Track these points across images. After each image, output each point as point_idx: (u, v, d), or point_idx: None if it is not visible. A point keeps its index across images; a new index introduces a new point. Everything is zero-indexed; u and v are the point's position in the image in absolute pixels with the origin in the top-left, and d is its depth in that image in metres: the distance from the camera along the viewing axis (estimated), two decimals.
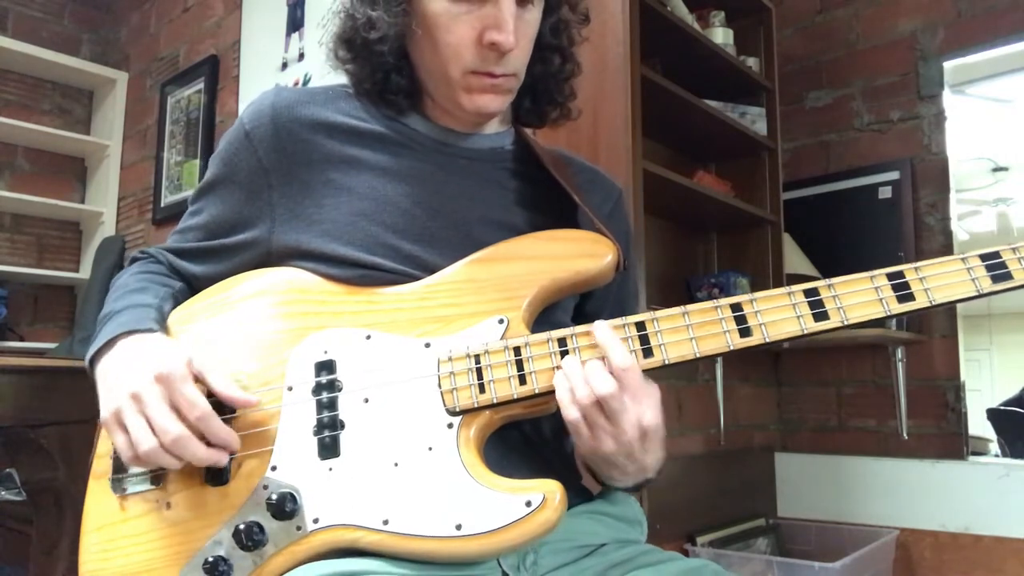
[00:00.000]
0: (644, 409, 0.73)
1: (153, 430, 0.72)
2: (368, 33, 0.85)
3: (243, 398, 0.76)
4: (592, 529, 0.87)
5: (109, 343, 0.80)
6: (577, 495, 0.90)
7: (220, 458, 0.74)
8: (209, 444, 0.74)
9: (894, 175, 2.52)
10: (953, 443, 2.33)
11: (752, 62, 2.45)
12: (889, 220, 2.50)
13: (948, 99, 2.45)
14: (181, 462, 0.73)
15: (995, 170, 2.48)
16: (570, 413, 0.73)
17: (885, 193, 2.52)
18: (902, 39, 2.56)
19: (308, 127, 0.88)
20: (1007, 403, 2.36)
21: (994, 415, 2.36)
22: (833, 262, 2.54)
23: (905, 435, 2.39)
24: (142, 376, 0.73)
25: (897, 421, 2.41)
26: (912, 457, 2.38)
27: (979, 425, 2.34)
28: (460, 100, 0.87)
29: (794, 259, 2.48)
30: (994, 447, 2.34)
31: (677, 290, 2.38)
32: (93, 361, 0.81)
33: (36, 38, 3.47)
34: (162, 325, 0.84)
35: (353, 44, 0.88)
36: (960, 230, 2.42)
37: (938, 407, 2.37)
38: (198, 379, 0.75)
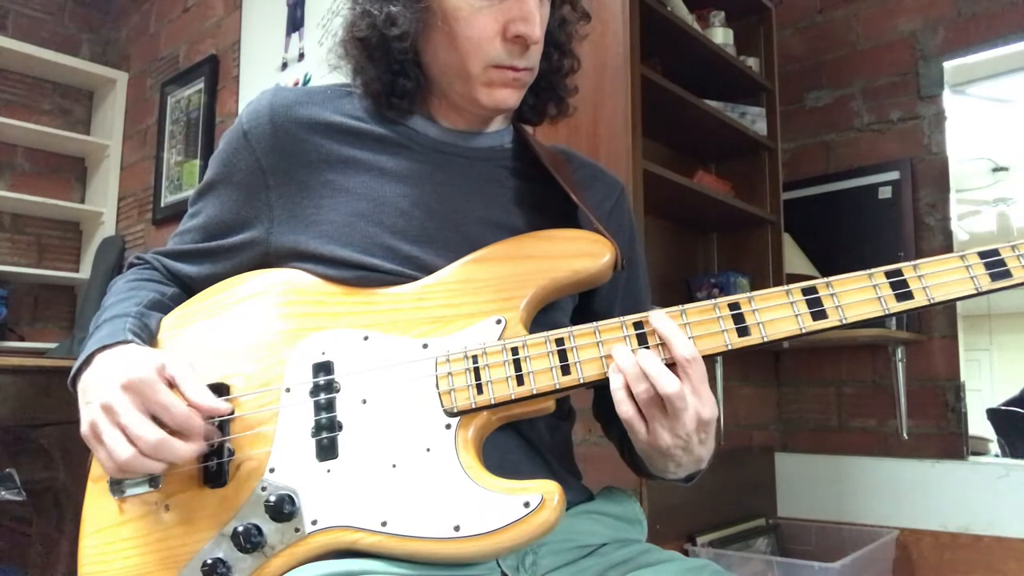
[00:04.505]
0: (703, 401, 0.72)
1: (129, 439, 0.71)
2: (388, 30, 0.84)
3: (213, 406, 0.74)
4: (592, 529, 0.87)
5: (87, 360, 0.79)
6: (576, 495, 0.90)
7: (200, 448, 0.73)
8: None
9: (894, 175, 2.51)
10: (953, 443, 2.33)
11: (752, 62, 2.45)
12: (889, 220, 2.50)
13: (948, 99, 2.45)
14: (166, 465, 0.73)
15: (995, 170, 2.47)
16: (625, 410, 0.72)
17: (885, 193, 2.52)
18: (902, 39, 2.56)
19: (306, 127, 0.88)
20: (1008, 403, 2.36)
21: (994, 415, 2.36)
22: (833, 262, 2.53)
23: (905, 435, 2.39)
24: (111, 387, 0.73)
25: (897, 421, 2.40)
26: (912, 457, 2.37)
27: (979, 425, 2.34)
28: (478, 96, 0.86)
29: (794, 259, 2.48)
30: (994, 447, 2.33)
31: (677, 290, 2.38)
32: (76, 380, 0.80)
33: (36, 38, 3.47)
34: (141, 332, 0.83)
35: (369, 42, 0.86)
36: (960, 230, 2.42)
37: (938, 407, 2.37)
38: (172, 384, 0.74)
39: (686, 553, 2.11)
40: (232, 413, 0.77)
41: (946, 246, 2.40)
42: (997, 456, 2.32)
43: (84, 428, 0.74)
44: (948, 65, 2.45)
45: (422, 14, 0.83)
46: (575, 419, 0.97)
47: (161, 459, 0.72)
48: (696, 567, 0.82)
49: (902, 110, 2.54)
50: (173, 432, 0.72)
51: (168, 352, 0.81)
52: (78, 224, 3.58)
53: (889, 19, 2.59)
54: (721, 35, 2.34)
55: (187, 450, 0.72)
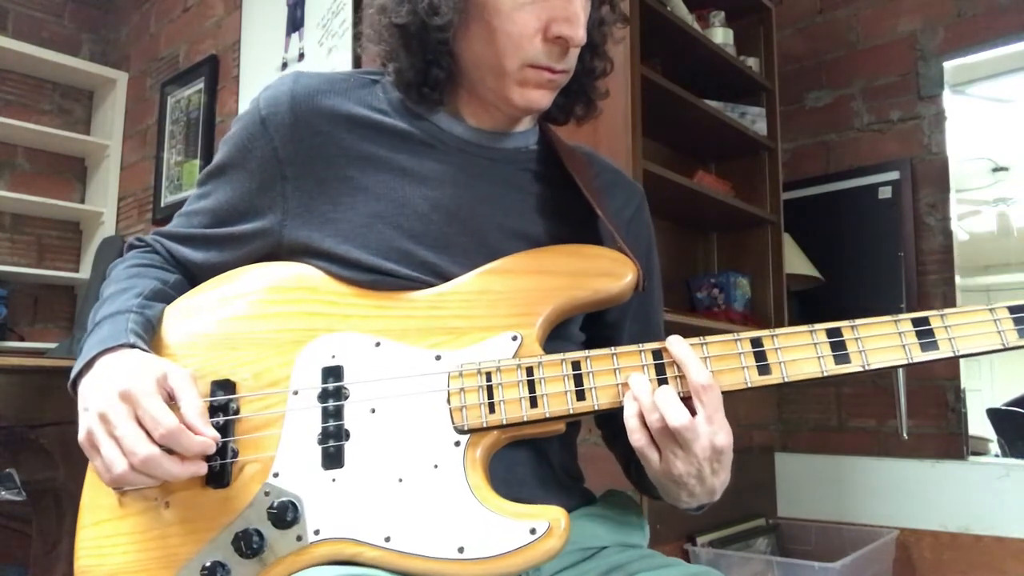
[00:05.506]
0: (717, 430, 0.71)
1: (123, 452, 0.68)
2: (430, 19, 0.80)
3: (200, 442, 0.69)
4: (593, 532, 0.87)
5: (89, 364, 0.76)
6: (579, 498, 0.90)
7: (197, 470, 0.70)
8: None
9: (894, 175, 2.52)
10: (953, 443, 2.33)
11: (752, 62, 2.45)
12: (889, 220, 2.50)
13: (948, 99, 2.45)
14: (157, 481, 0.70)
15: (995, 170, 2.47)
16: (638, 439, 0.72)
17: (885, 193, 2.52)
18: (902, 39, 2.56)
19: (328, 119, 0.84)
20: (1011, 403, 2.36)
21: (994, 415, 2.36)
22: (833, 262, 2.54)
23: (905, 435, 2.39)
24: (109, 395, 0.70)
25: (897, 421, 2.41)
26: (912, 457, 2.38)
27: (979, 425, 2.34)
28: (510, 94, 0.83)
29: (794, 259, 2.48)
30: (994, 447, 2.34)
31: (677, 290, 2.38)
32: (77, 381, 0.77)
33: (36, 38, 3.46)
34: (144, 331, 0.80)
35: (407, 30, 0.82)
36: (960, 230, 2.42)
37: (938, 407, 2.37)
38: (172, 397, 0.71)
39: (686, 553, 2.12)
40: (219, 443, 0.72)
41: (946, 246, 2.40)
42: (997, 456, 2.32)
43: (81, 436, 0.72)
44: (948, 65, 2.46)
45: (463, 4, 0.80)
46: (580, 424, 0.96)
47: (150, 476, 0.68)
48: (698, 574, 0.82)
49: (902, 110, 2.54)
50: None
51: (171, 362, 0.77)
52: (78, 224, 3.57)
53: (889, 19, 2.59)
54: (721, 35, 2.33)
55: (177, 470, 0.69)
